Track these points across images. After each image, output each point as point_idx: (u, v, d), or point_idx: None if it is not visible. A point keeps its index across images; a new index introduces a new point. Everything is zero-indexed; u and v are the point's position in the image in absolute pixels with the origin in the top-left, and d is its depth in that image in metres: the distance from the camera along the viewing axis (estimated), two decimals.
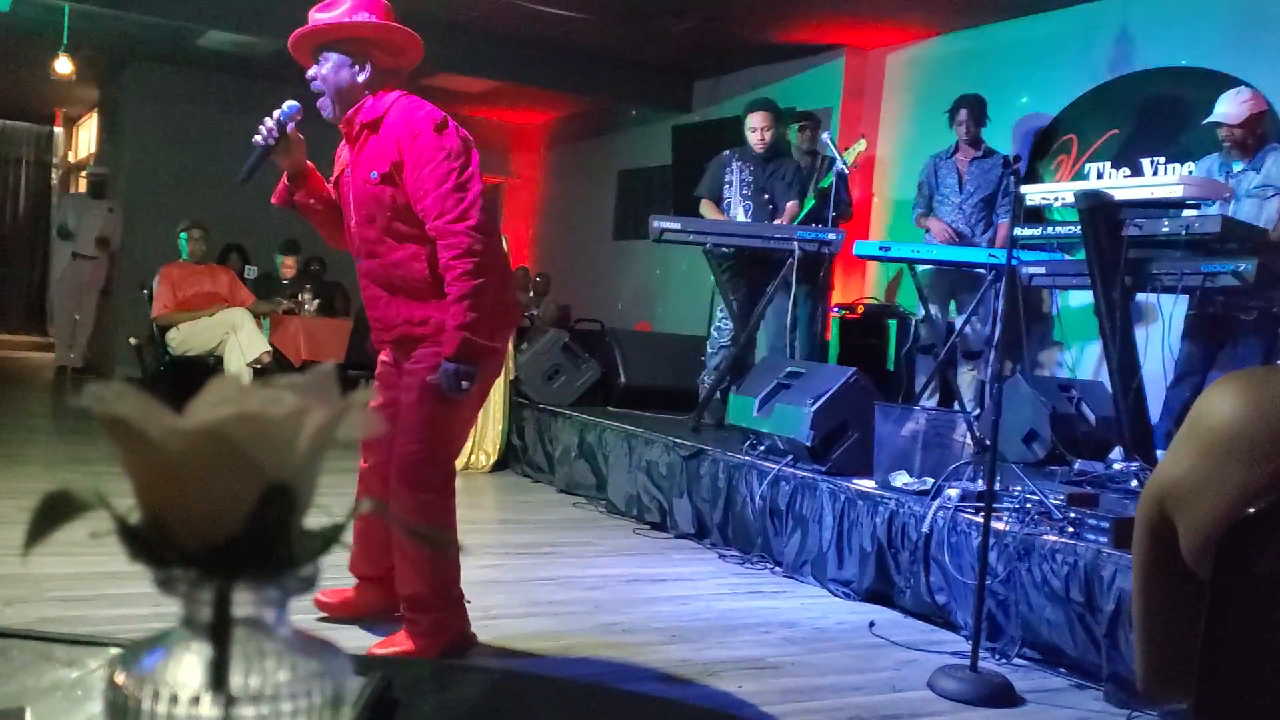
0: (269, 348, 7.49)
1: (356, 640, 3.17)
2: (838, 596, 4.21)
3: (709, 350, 6.30)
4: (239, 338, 7.40)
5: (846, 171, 6.45)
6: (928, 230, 6.37)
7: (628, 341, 7.24)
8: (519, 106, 10.87)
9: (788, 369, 5.09)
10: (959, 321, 6.07)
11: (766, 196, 6.24)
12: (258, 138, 3.00)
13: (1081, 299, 6.18)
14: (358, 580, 3.37)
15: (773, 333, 6.19)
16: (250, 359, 7.35)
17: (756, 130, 6.18)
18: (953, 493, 3.91)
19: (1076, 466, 4.59)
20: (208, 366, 7.37)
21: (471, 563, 4.00)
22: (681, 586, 4.27)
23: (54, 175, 14.40)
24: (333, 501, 0.63)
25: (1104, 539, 3.38)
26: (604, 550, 4.81)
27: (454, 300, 2.91)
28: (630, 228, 10.03)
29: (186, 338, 7.47)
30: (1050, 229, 5.68)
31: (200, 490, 0.51)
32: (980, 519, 3.39)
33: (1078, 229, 4.73)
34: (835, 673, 3.36)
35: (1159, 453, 4.61)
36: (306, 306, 8.38)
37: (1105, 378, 5.05)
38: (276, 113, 3.02)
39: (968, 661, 3.25)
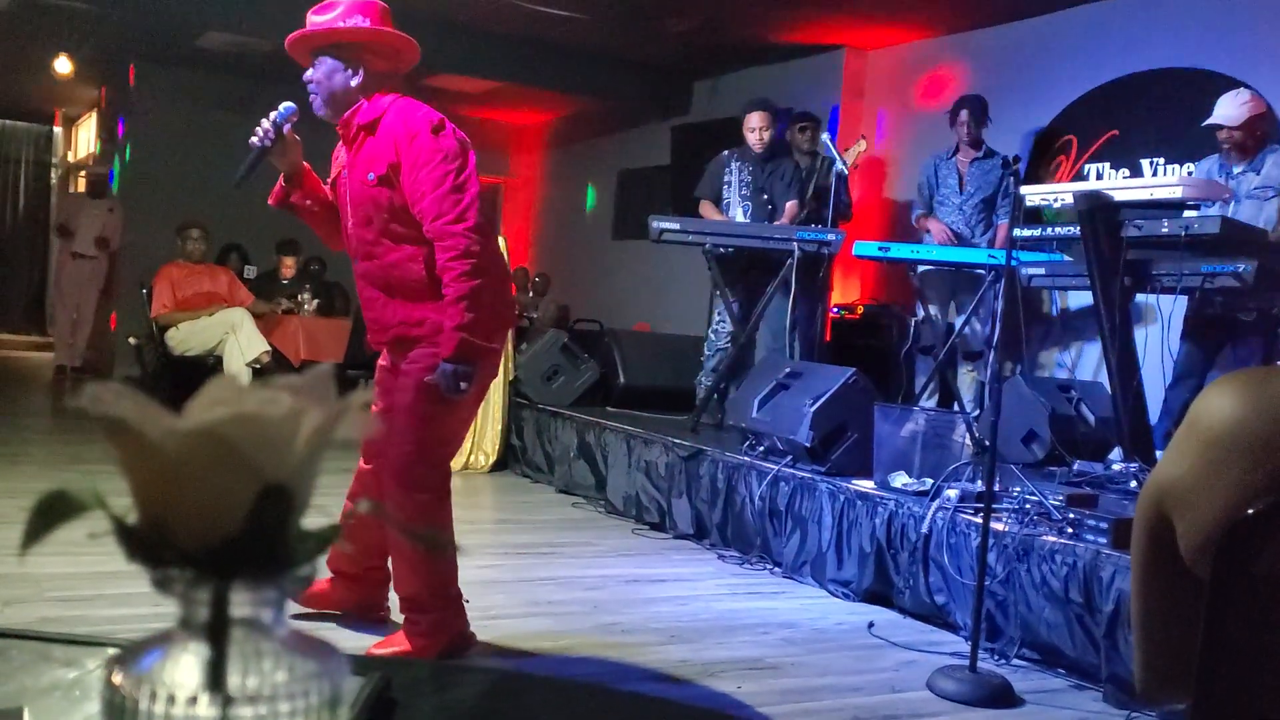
0: (268, 348, 7.50)
1: (355, 641, 3.17)
2: (837, 597, 4.21)
3: (706, 353, 6.30)
4: (238, 338, 7.40)
5: (846, 172, 6.45)
6: (927, 231, 6.36)
7: (627, 342, 7.24)
8: (518, 107, 10.87)
9: (787, 369, 5.09)
10: (958, 322, 6.07)
11: (765, 197, 6.23)
12: (254, 139, 3.01)
13: (1081, 299, 6.18)
14: (332, 574, 3.37)
15: (772, 333, 6.18)
16: (250, 359, 7.36)
17: (755, 130, 6.18)
18: (952, 493, 3.91)
19: (1076, 467, 4.59)
20: (207, 366, 7.37)
21: (471, 563, 4.00)
22: (680, 587, 4.27)
23: (53, 175, 14.40)
24: (331, 502, 0.63)
25: (1103, 540, 3.38)
26: (603, 550, 4.81)
27: (452, 301, 2.91)
28: (629, 228, 10.03)
29: (186, 337, 7.48)
30: (1049, 229, 5.68)
31: (198, 491, 0.51)
32: (979, 520, 3.39)
33: (1072, 230, 4.73)
34: (834, 673, 3.36)
35: (1158, 453, 4.61)
36: (306, 306, 8.38)
37: (1104, 378, 5.05)
38: (273, 114, 3.03)
39: (967, 662, 3.25)
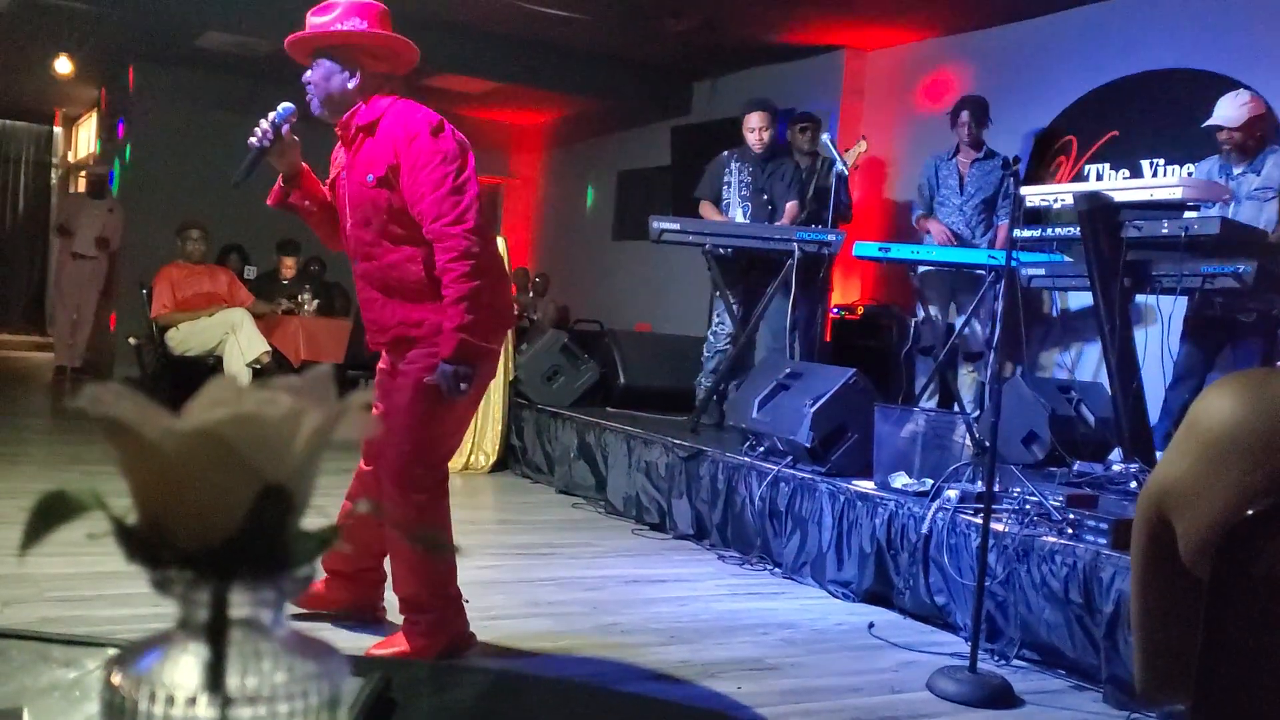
0: (268, 348, 7.50)
1: (354, 641, 3.17)
2: (837, 597, 4.21)
3: (706, 354, 6.29)
4: (238, 338, 7.40)
5: (846, 173, 6.45)
6: (927, 232, 6.36)
7: (627, 342, 7.24)
8: (519, 107, 10.87)
9: (787, 370, 5.09)
10: (959, 323, 6.07)
11: (765, 197, 6.23)
12: (253, 139, 3.01)
13: (1081, 300, 6.18)
14: (327, 574, 3.37)
15: (772, 334, 6.18)
16: (250, 359, 7.36)
17: (754, 130, 6.17)
18: (952, 494, 3.91)
19: (1076, 468, 4.59)
20: (207, 367, 7.37)
21: (470, 563, 4.00)
22: (681, 587, 4.27)
23: (53, 175, 14.40)
24: (330, 502, 0.63)
25: (1103, 540, 3.38)
26: (603, 551, 4.81)
27: (451, 303, 2.92)
28: (630, 228, 10.03)
29: (186, 338, 7.48)
30: (1049, 230, 5.68)
31: (197, 491, 0.51)
32: (979, 520, 3.39)
33: (1072, 231, 4.73)
34: (834, 674, 3.36)
35: (1158, 454, 4.61)
36: (306, 307, 8.38)
37: (1105, 379, 5.05)
38: (271, 115, 3.03)
39: (967, 663, 3.25)
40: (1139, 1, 6.42)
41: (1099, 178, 6.49)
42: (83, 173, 11.18)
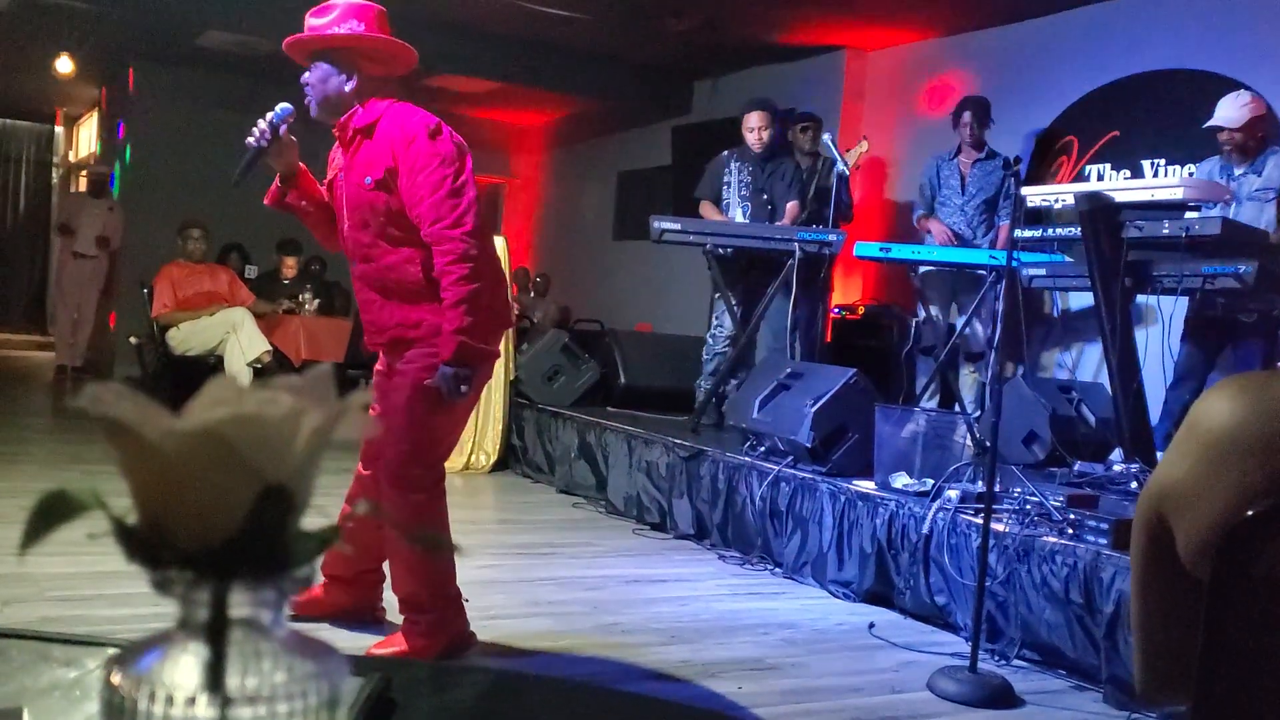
0: (269, 348, 7.50)
1: (354, 641, 3.17)
2: (837, 597, 4.21)
3: (705, 356, 6.29)
4: (239, 337, 7.40)
5: (847, 173, 6.45)
6: (928, 232, 6.36)
7: (627, 342, 7.24)
8: (519, 107, 10.87)
9: (788, 370, 5.09)
10: (959, 323, 6.07)
11: (765, 197, 6.23)
12: (250, 140, 3.02)
13: (1082, 300, 6.18)
14: (325, 579, 3.36)
15: (773, 334, 6.18)
16: (250, 359, 7.35)
17: (754, 130, 6.17)
18: (953, 494, 3.91)
19: (1076, 468, 4.58)
20: (208, 366, 7.37)
21: (471, 563, 4.00)
22: (681, 587, 4.27)
23: (54, 175, 14.40)
24: (329, 503, 0.63)
25: (1104, 541, 3.38)
26: (603, 551, 4.81)
27: (450, 305, 2.92)
28: (630, 228, 10.03)
29: (187, 337, 7.48)
30: (1050, 230, 5.68)
31: (197, 491, 0.51)
32: (980, 520, 3.39)
33: (1073, 231, 4.73)
34: (835, 674, 3.36)
35: (1159, 454, 4.61)
36: (307, 306, 8.38)
37: (1105, 379, 5.05)
38: (269, 115, 3.03)
39: (967, 663, 3.25)
40: (1140, 2, 6.41)
41: (1100, 178, 6.48)
42: (84, 172, 11.18)
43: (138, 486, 0.52)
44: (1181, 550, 1.03)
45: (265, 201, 3.22)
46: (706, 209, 6.30)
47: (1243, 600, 0.97)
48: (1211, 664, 0.98)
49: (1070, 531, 3.51)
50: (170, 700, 0.49)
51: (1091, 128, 6.61)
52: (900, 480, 4.22)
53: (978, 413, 5.79)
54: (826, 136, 6.42)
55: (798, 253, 5.61)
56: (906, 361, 6.55)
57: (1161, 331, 4.85)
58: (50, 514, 0.50)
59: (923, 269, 6.15)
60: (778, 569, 4.55)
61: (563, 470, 6.13)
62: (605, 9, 7.62)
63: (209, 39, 8.74)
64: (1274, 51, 5.70)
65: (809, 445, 4.54)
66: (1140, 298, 5.13)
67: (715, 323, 6.27)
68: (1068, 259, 5.41)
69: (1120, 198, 4.49)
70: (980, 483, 3.85)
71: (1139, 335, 4.97)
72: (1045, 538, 3.52)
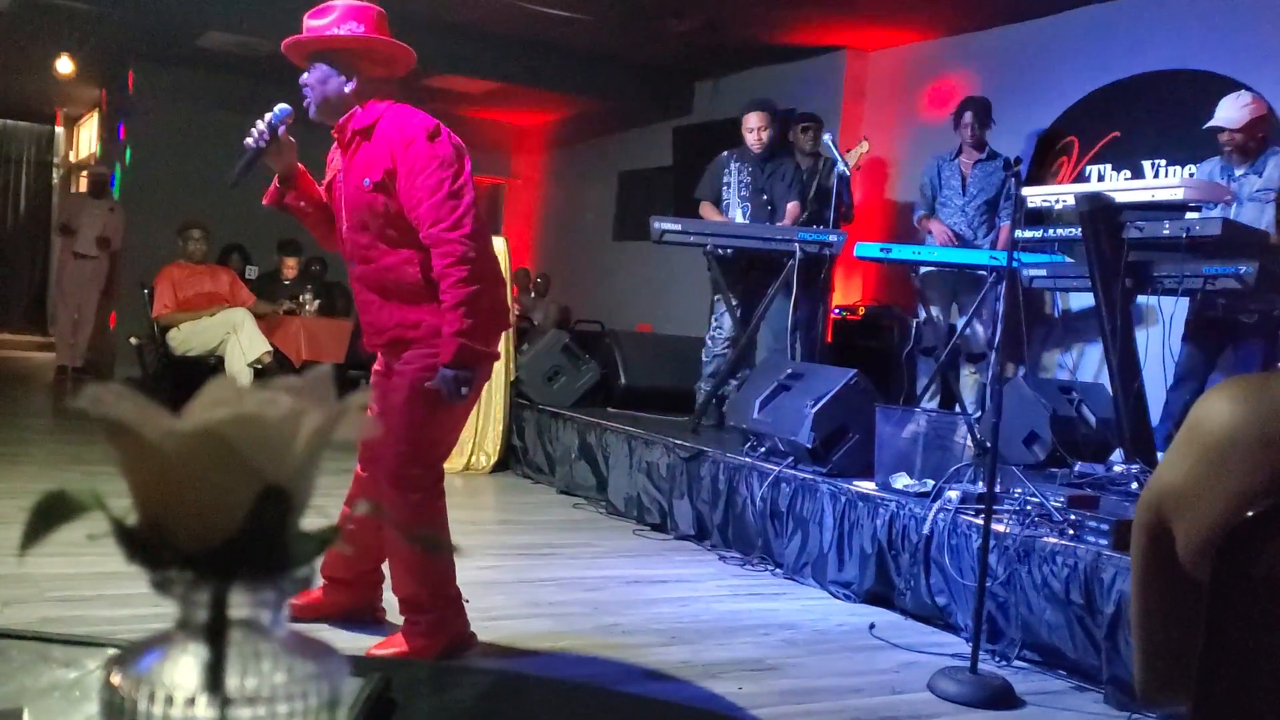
0: (270, 348, 7.50)
1: (354, 641, 3.17)
2: (838, 598, 4.21)
3: (704, 357, 6.29)
4: (240, 338, 7.40)
5: (848, 174, 6.45)
6: (929, 232, 6.36)
7: (628, 343, 7.24)
8: (520, 108, 10.87)
9: (788, 370, 5.09)
10: (960, 323, 6.07)
11: (765, 198, 6.23)
12: (249, 140, 3.02)
13: (1082, 301, 6.18)
14: (325, 581, 3.36)
15: (773, 334, 6.18)
16: (251, 359, 7.36)
17: (753, 130, 6.16)
18: (953, 495, 3.91)
19: (1077, 469, 4.59)
20: (208, 367, 7.37)
21: (471, 564, 4.00)
22: (682, 588, 4.27)
23: (55, 175, 14.40)
24: (329, 503, 0.63)
25: (1104, 541, 3.38)
26: (604, 551, 4.81)
27: (450, 307, 2.92)
28: (631, 229, 10.04)
29: (187, 338, 7.48)
30: (1050, 230, 5.68)
31: (197, 492, 0.51)
32: (980, 521, 3.39)
33: (1074, 231, 4.73)
34: (835, 674, 3.36)
35: (1159, 455, 4.61)
36: (307, 307, 8.38)
37: (1106, 380, 5.05)
38: (268, 115, 3.03)
39: (968, 663, 3.25)
40: (1141, 2, 6.42)
41: (1100, 178, 6.48)
42: (84, 172, 11.19)
43: (138, 487, 0.52)
44: (1182, 551, 1.03)
45: (264, 201, 3.22)
46: (706, 209, 6.30)
47: (1243, 601, 0.97)
48: (1211, 664, 0.98)
49: (1071, 532, 3.51)
50: (170, 701, 0.49)
51: (1092, 128, 6.61)
52: (901, 481, 4.22)
53: (978, 413, 5.78)
54: (827, 137, 6.42)
55: (798, 253, 5.61)
56: (907, 362, 6.55)
57: (1162, 332, 4.85)
58: (50, 515, 0.50)
59: (923, 269, 6.15)
60: (778, 570, 4.55)
61: (563, 471, 6.13)
62: (606, 9, 7.62)
63: (209, 40, 8.75)
64: (1275, 52, 5.70)
65: (809, 446, 4.54)
66: (1141, 298, 5.13)
67: (715, 323, 6.26)
68: (1068, 259, 5.40)
69: (1121, 198, 4.49)
70: (981, 483, 3.85)
71: (1139, 336, 4.97)
72: (1046, 538, 3.52)
